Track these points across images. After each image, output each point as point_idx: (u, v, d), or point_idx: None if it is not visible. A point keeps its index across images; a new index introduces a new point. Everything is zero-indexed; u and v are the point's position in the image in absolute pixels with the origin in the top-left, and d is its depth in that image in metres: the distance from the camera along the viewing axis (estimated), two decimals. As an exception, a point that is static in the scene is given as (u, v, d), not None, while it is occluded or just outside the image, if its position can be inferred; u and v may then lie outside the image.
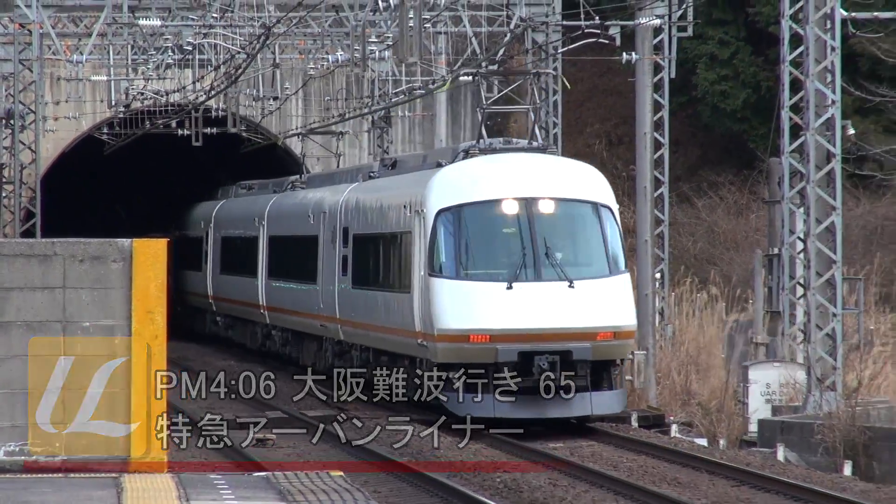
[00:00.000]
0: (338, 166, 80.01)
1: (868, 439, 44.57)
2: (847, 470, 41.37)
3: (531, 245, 38.06)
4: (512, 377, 33.21)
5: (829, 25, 48.91)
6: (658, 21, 62.98)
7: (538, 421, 37.29)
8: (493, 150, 41.18)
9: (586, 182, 40.14)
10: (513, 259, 38.57)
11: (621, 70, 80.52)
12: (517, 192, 38.81)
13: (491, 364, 35.79)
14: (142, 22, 65.94)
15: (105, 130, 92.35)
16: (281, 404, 52.27)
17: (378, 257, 48.17)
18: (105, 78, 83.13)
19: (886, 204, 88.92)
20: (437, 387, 33.84)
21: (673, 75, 63.55)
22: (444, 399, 34.98)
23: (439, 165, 42.11)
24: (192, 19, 69.00)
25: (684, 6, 64.16)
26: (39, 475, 26.83)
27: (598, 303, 37.25)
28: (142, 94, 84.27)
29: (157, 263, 27.99)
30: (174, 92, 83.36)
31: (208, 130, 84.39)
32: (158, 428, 27.97)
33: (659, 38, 62.88)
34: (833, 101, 48.68)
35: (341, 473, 30.44)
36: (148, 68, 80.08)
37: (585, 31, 53.18)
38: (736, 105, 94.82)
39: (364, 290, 49.34)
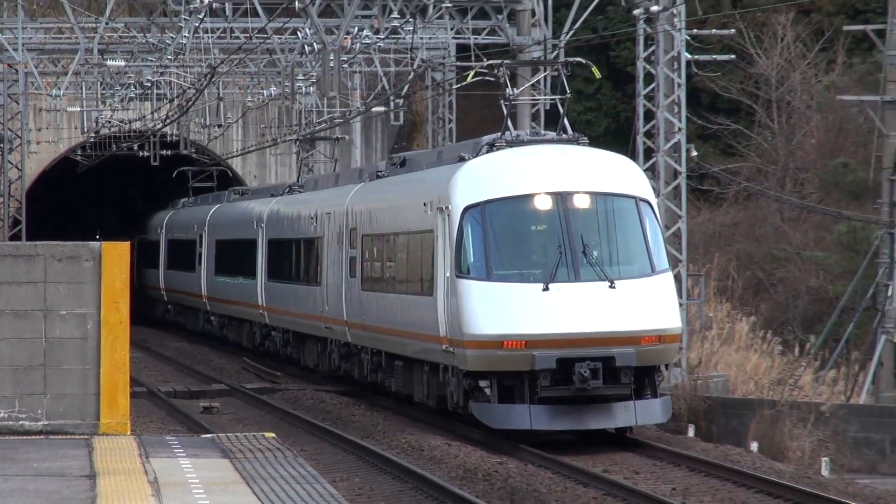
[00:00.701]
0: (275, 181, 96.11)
1: (707, 407, 52.30)
2: (690, 432, 46.82)
3: (567, 243, 34.30)
4: (550, 385, 31.67)
5: (675, 66, 56.85)
6: (536, 60, 68.89)
7: (575, 432, 34.67)
8: (522, 143, 37.35)
9: (624, 175, 36.45)
10: (548, 259, 34.82)
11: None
12: (551, 187, 35.00)
13: (526, 372, 32.87)
14: (109, 63, 75.87)
15: (79, 152, 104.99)
16: (225, 378, 60.86)
17: (392, 258, 44.06)
18: (79, 109, 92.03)
19: (723, 213, 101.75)
20: (466, 395, 33.94)
21: (547, 108, 65.66)
22: (475, 409, 33.80)
23: (462, 160, 38.04)
24: (151, 60, 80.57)
25: (557, 50, 67.75)
26: (24, 437, 30.57)
27: (642, 304, 33.72)
28: (109, 122, 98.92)
29: (122, 262, 31.42)
30: (136, 121, 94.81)
31: (164, 152, 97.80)
32: (123, 398, 31.54)
33: (536, 78, 63.93)
34: (679, 129, 57.19)
35: (273, 435, 34.62)
36: (114, 101, 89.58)
37: (476, 70, 50.44)
38: (599, 132, 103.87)
39: (376, 292, 45.66)
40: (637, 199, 34.20)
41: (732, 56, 78.44)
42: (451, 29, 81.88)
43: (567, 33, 67.91)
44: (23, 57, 70.66)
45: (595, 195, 34.20)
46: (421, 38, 78.44)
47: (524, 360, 31.61)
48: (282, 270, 59.41)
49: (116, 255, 31.15)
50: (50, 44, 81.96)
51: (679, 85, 53.50)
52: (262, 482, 24.22)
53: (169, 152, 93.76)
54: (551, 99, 37.31)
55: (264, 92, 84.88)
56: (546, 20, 73.12)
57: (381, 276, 44.33)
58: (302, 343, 56.55)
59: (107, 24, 62.04)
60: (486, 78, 62.92)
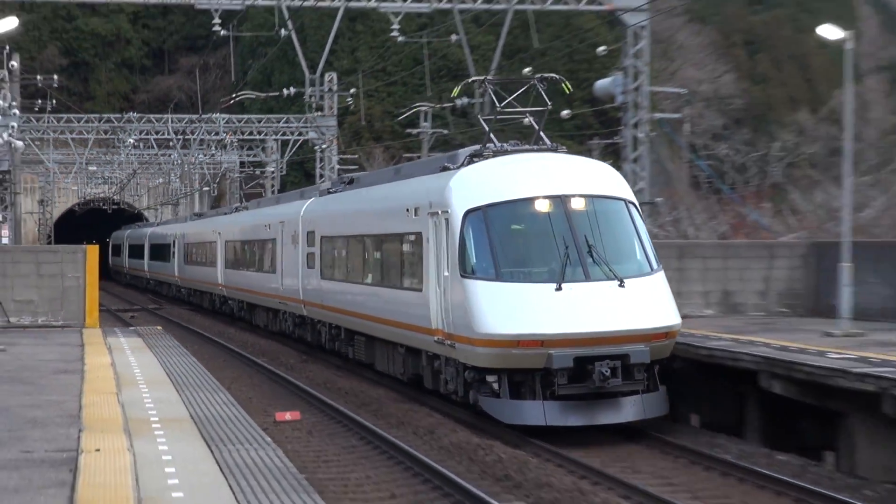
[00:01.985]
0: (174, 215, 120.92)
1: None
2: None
3: (573, 244, 30.95)
4: (567, 384, 28.47)
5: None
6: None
7: (585, 428, 29.82)
8: (506, 152, 34.36)
9: (611, 179, 33.85)
10: (556, 259, 31.02)
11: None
12: (550, 190, 31.69)
13: (539, 370, 28.87)
14: (89, 168, 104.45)
15: (76, 207, 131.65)
16: (143, 305, 75.76)
17: (358, 255, 41.87)
18: (75, 188, 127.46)
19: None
20: (466, 386, 30.69)
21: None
22: (483, 403, 29.79)
23: (446, 169, 34.53)
24: (107, 167, 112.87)
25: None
26: (52, 328, 46.53)
27: (650, 302, 30.87)
28: (88, 195, 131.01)
29: (94, 254, 48.40)
30: (101, 194, 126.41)
31: (115, 206, 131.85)
32: (95, 311, 48.95)
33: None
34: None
35: (160, 328, 51.62)
36: (92, 185, 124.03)
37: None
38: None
39: (337, 281, 43.99)
40: (626, 202, 32.81)
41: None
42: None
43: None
44: (52, 166, 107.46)
45: (590, 198, 32.06)
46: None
47: (539, 359, 28.68)
48: (237, 261, 63.40)
49: (92, 251, 48.35)
50: (62, 161, 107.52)
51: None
52: (155, 347, 40.60)
53: (115, 206, 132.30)
54: (532, 111, 34.29)
55: (159, 180, 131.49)
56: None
57: (346, 269, 42.97)
58: (253, 309, 60.39)
59: (87, 152, 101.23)
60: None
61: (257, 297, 57.78)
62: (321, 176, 73.62)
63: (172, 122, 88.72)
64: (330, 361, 46.24)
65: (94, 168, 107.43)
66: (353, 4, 51.23)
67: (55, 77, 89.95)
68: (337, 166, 73.82)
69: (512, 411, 29.18)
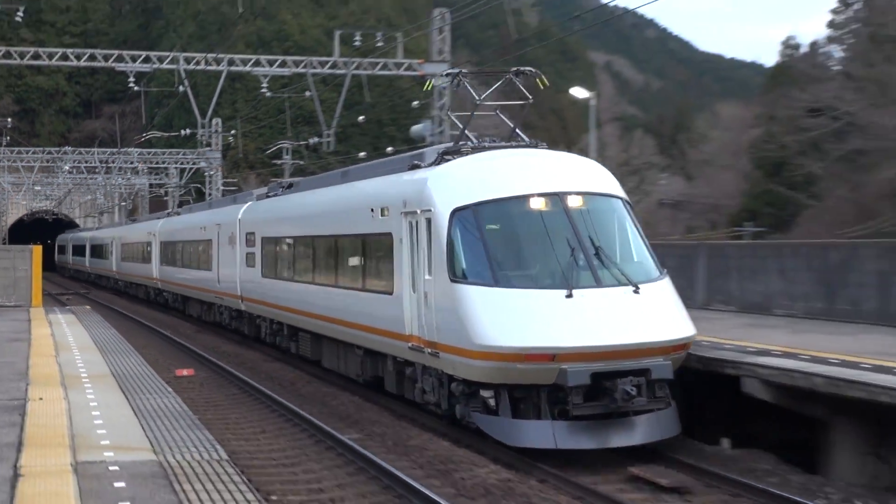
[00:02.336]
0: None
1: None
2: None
3: (579, 246, 21.85)
4: (583, 402, 19.78)
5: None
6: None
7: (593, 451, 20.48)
8: (485, 148, 25.08)
9: (604, 176, 24.73)
10: (560, 262, 21.77)
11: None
12: (545, 187, 22.76)
13: (545, 386, 20.19)
14: (35, 188, 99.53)
15: (25, 217, 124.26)
16: (77, 291, 69.81)
17: (305, 256, 32.17)
18: (24, 202, 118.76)
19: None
20: (450, 398, 21.63)
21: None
22: (481, 421, 20.68)
23: (415, 167, 25.33)
24: (49, 186, 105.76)
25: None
26: (6, 307, 45.30)
27: (666, 310, 21.96)
28: (35, 208, 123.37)
29: (39, 252, 46.73)
30: (45, 208, 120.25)
31: (55, 217, 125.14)
32: (39, 295, 47.36)
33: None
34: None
35: (89, 307, 50.14)
36: (37, 200, 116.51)
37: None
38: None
39: (280, 280, 34.15)
40: (623, 200, 24.31)
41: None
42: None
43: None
44: (7, 186, 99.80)
45: (588, 195, 23.42)
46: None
47: (548, 374, 20.16)
48: (172, 259, 54.27)
49: (37, 250, 47.02)
50: (14, 182, 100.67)
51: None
52: (84, 322, 40.03)
53: (54, 217, 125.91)
54: (514, 104, 25.67)
55: (88, 197, 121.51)
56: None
57: (292, 269, 33.31)
58: (186, 301, 51.63)
59: (33, 176, 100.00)
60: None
61: (192, 291, 48.55)
62: (210, 194, 71.89)
63: (98, 154, 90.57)
64: (225, 336, 43.25)
65: (39, 188, 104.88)
66: (232, 69, 50.34)
67: (9, 120, 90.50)
68: (221, 188, 73.21)
69: (515, 432, 20.42)
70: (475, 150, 24.07)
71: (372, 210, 25.47)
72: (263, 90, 52.75)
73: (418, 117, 53.55)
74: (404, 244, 22.58)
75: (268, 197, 37.72)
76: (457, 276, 20.55)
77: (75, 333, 34.77)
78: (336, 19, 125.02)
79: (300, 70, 49.85)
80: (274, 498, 15.91)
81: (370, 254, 25.81)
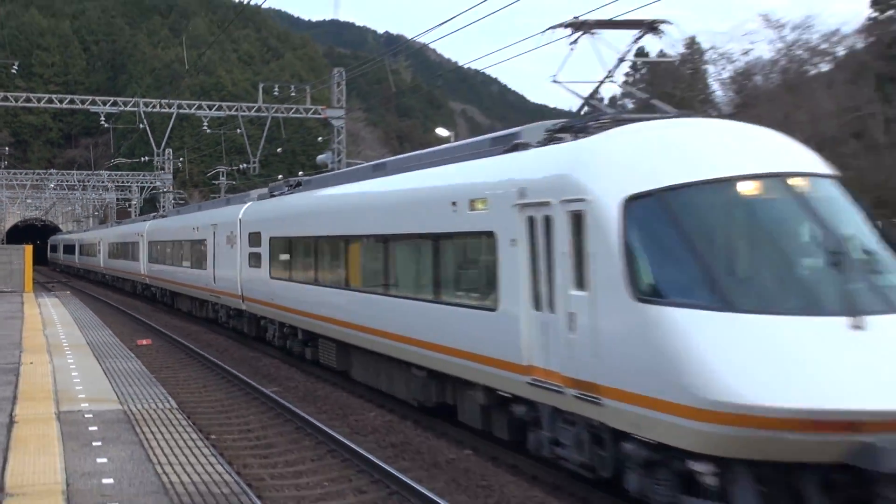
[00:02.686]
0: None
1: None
2: None
3: (842, 250, 9.58)
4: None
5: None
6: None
7: None
8: (631, 120, 12.26)
9: (802, 150, 11.36)
10: (822, 274, 9.59)
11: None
12: (761, 165, 10.42)
13: (818, 467, 8.58)
14: (27, 201, 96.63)
15: (19, 223, 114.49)
16: (61, 281, 65.85)
17: (339, 259, 20.74)
18: (19, 212, 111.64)
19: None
20: (633, 470, 10.51)
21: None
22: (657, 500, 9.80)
23: (519, 148, 13.63)
24: (38, 199, 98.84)
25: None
26: (4, 293, 43.89)
27: None
28: (27, 217, 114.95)
29: (30, 251, 46.07)
30: (34, 216, 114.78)
31: (42, 223, 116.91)
32: (30, 283, 46.29)
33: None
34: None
35: (69, 293, 49.21)
36: (29, 210, 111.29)
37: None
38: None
39: (296, 283, 23.49)
40: (840, 180, 11.17)
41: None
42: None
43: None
44: (4, 199, 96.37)
45: (811, 177, 10.71)
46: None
47: (833, 450, 8.36)
48: (161, 257, 43.48)
49: (28, 248, 46.43)
50: (11, 196, 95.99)
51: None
52: (66, 304, 41.09)
53: (42, 223, 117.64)
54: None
55: (69, 208, 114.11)
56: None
57: (314, 271, 22.33)
58: (176, 296, 41.48)
59: (25, 192, 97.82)
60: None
61: (183, 288, 38.66)
62: (163, 206, 69.07)
63: (76, 175, 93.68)
64: (175, 315, 41.15)
65: (30, 201, 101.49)
66: (181, 111, 49.25)
67: (6, 148, 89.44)
68: (172, 201, 71.89)
69: None
70: (616, 122, 12.39)
71: (454, 203, 14.99)
72: (205, 128, 52.93)
73: (322, 149, 53.77)
74: (520, 247, 12.45)
75: (272, 196, 27.52)
76: (646, 293, 9.85)
77: (59, 313, 33.98)
78: (260, 74, 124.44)
79: (232, 113, 49.29)
80: (213, 437, 15.60)
81: (450, 257, 15.54)
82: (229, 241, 30.65)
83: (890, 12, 51.26)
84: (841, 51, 49.74)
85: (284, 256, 24.50)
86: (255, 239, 27.10)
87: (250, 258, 27.63)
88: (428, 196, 15.76)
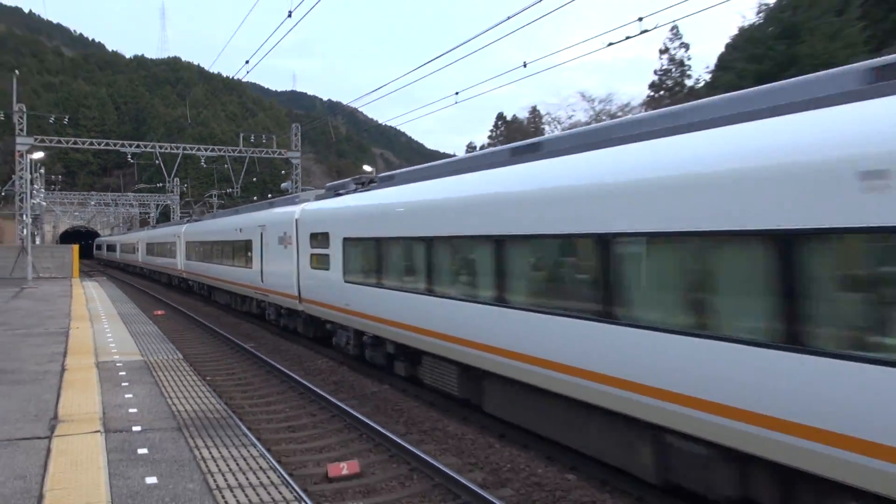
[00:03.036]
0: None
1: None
2: None
3: None
4: None
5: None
6: None
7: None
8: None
9: None
10: None
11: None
12: None
13: None
14: (74, 213, 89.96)
15: (69, 229, 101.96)
16: (102, 272, 60.17)
17: (446, 262, 10.34)
18: (68, 221, 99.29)
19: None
20: None
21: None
22: None
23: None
24: (82, 212, 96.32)
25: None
26: (54, 277, 40.29)
27: None
28: (73, 225, 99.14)
29: (76, 249, 43.34)
30: (80, 224, 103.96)
31: (85, 229, 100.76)
32: (77, 272, 43.27)
33: None
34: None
35: (104, 277, 44.99)
36: (76, 220, 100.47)
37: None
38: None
39: (379, 288, 12.94)
40: None
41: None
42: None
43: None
44: (58, 212, 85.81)
45: None
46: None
47: None
48: (200, 255, 32.28)
49: (75, 248, 43.38)
50: (63, 210, 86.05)
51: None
52: (103, 286, 38.16)
53: (85, 230, 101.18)
54: None
55: (105, 219, 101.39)
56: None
57: (404, 276, 11.98)
58: (212, 290, 31.02)
59: (73, 207, 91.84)
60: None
61: (224, 284, 28.22)
62: (172, 218, 68.00)
63: (110, 196, 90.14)
64: (182, 294, 37.76)
65: (77, 213, 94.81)
66: (185, 152, 48.14)
67: (60, 177, 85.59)
68: (179, 213, 69.70)
69: None
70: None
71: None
72: (202, 164, 52.09)
73: (284, 179, 52.76)
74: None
75: (338, 196, 16.93)
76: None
77: (98, 292, 32.73)
78: (241, 127, 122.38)
79: (221, 153, 49.19)
80: (209, 378, 15.12)
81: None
82: (283, 242, 21.33)
83: (661, 92, 54.93)
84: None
85: (367, 259, 14.16)
86: (320, 239, 17.10)
87: (312, 259, 17.82)
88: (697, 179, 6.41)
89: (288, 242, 21.02)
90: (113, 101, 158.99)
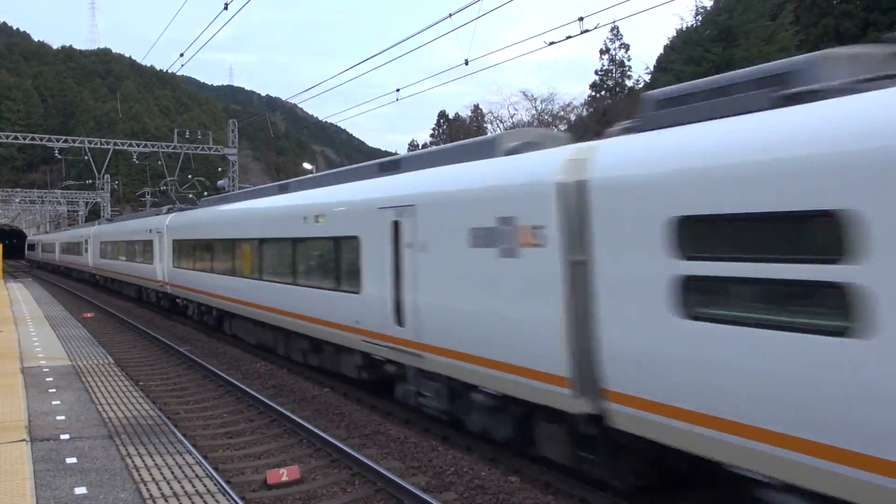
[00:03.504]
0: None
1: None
2: None
3: None
4: None
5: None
6: None
7: None
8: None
9: None
10: None
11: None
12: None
13: None
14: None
15: None
16: (25, 273, 59.50)
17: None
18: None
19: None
20: None
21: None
22: None
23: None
24: (6, 211, 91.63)
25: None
26: None
27: None
28: None
29: (0, 249, 42.57)
30: (4, 223, 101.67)
31: (9, 228, 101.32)
32: (1, 273, 41.76)
33: None
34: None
35: (30, 279, 45.05)
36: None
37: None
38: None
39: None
40: None
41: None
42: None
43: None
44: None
45: None
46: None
47: None
48: (196, 259, 19.72)
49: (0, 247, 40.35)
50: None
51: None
52: (27, 287, 38.49)
53: (9, 229, 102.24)
54: None
55: (30, 217, 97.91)
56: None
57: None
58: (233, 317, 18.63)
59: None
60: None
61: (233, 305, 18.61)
62: (103, 216, 66.31)
63: (36, 193, 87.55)
64: (112, 293, 36.09)
65: (1, 211, 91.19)
66: (116, 147, 47.29)
67: None
68: (110, 212, 68.17)
69: None
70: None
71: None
72: (134, 160, 50.80)
73: (221, 176, 52.30)
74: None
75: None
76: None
77: (22, 294, 32.39)
78: (175, 122, 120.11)
79: (155, 150, 47.40)
80: (141, 383, 14.67)
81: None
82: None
83: (603, 92, 56.58)
84: (573, 116, 52.87)
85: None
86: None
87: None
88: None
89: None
90: (39, 93, 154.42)
